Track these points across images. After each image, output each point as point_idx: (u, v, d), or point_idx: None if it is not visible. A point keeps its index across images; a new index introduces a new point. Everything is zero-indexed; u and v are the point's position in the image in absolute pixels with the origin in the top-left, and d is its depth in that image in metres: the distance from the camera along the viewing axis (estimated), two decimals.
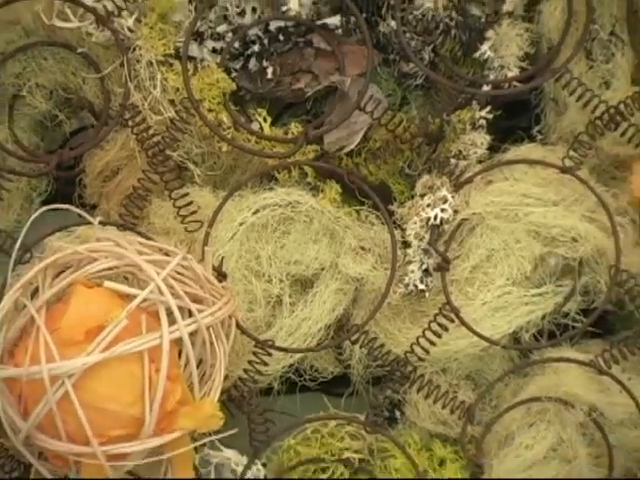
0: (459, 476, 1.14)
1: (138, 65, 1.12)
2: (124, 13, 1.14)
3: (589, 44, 1.17)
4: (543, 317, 1.13)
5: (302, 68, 1.12)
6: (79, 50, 1.13)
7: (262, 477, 1.14)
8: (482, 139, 1.13)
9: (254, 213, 1.10)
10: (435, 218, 1.11)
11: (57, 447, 0.99)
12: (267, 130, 1.11)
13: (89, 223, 1.08)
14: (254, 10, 1.13)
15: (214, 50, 1.13)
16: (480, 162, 1.12)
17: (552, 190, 1.12)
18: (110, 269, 1.02)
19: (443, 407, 1.12)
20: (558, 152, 1.13)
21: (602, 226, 1.11)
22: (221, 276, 1.09)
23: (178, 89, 1.12)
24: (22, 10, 1.14)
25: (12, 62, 1.14)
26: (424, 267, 1.11)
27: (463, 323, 1.09)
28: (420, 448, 1.13)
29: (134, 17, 1.14)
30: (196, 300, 1.02)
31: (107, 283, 1.00)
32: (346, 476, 1.13)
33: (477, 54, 1.12)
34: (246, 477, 1.21)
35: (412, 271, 1.10)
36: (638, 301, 1.14)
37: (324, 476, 1.12)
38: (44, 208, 1.10)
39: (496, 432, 1.13)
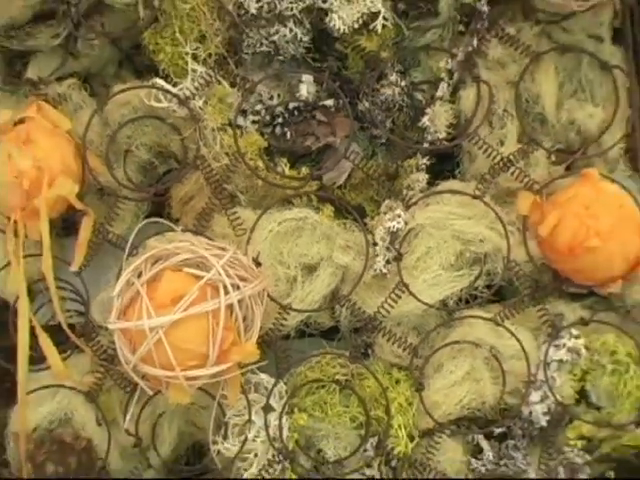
0: (408, 390, 1.13)
1: (205, 130, 1.13)
2: (196, 97, 1.13)
3: (490, 117, 1.15)
4: (461, 290, 1.13)
5: (309, 132, 1.14)
6: (168, 121, 1.13)
7: (284, 392, 1.13)
8: (423, 177, 1.14)
9: (279, 224, 1.11)
10: (393, 227, 1.11)
11: (154, 372, 1.02)
12: (287, 172, 1.12)
13: (173, 230, 1.12)
14: (279, 96, 1.14)
15: (253, 121, 1.13)
16: (421, 191, 1.13)
17: (467, 210, 1.13)
18: (187, 260, 1.04)
19: (398, 347, 1.13)
20: (471, 186, 1.14)
21: (499, 232, 1.11)
22: (257, 264, 1.10)
23: (230, 146, 1.12)
24: (132, 95, 1.12)
25: (125, 128, 1.13)
26: (386, 258, 1.12)
27: (411, 294, 1.11)
28: (384, 373, 1.13)
29: (202, 100, 1.13)
30: (242, 279, 1.05)
31: (185, 269, 1.04)
32: (337, 391, 1.12)
33: (420, 123, 1.14)
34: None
35: (378, 261, 1.12)
36: (521, 279, 1.14)
37: (323, 391, 1.12)
38: (145, 221, 1.13)
39: (431, 363, 1.13)
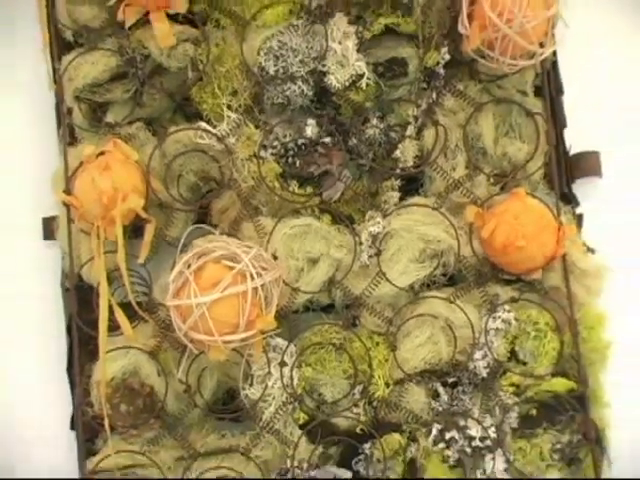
0: (385, 350, 1.13)
1: (236, 160, 1.13)
2: (230, 136, 1.12)
3: (445, 150, 1.15)
4: (424, 277, 1.13)
5: (312, 162, 1.13)
6: (209, 153, 1.13)
7: (294, 351, 1.13)
8: (396, 194, 1.14)
9: (290, 228, 1.12)
10: (374, 231, 1.12)
11: (198, 337, 1.04)
12: (296, 190, 1.12)
13: (213, 233, 1.13)
14: (290, 135, 1.13)
15: (272, 153, 1.12)
16: (395, 205, 1.14)
17: (428, 218, 1.12)
18: (223, 255, 1.05)
19: (378, 319, 1.13)
20: (431, 200, 1.14)
21: (452, 235, 1.12)
22: (274, 258, 1.10)
23: (255, 171, 1.11)
24: (183, 134, 1.11)
25: (178, 159, 1.12)
26: (369, 254, 1.12)
27: (387, 280, 1.12)
28: (367, 337, 1.13)
29: (235, 138, 1.12)
30: (263, 269, 1.06)
31: (222, 261, 1.05)
32: (333, 351, 1.13)
33: (393, 155, 1.13)
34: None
35: (363, 256, 1.12)
36: (467, 269, 1.13)
37: (322, 351, 1.13)
38: (192, 227, 1.13)
39: (402, 330, 1.13)
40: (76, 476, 1.13)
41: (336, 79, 1.10)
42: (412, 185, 1.16)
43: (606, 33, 1.20)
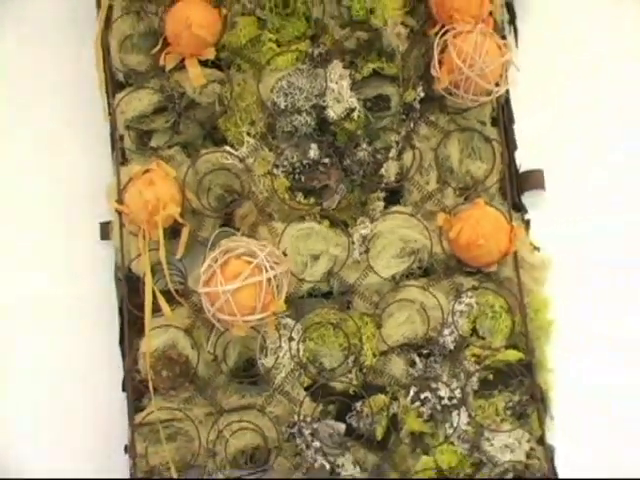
0: (373, 328, 1.11)
1: (254, 177, 1.12)
2: (249, 157, 1.12)
3: (421, 169, 1.13)
4: (404, 270, 1.12)
5: (315, 178, 1.12)
6: (233, 171, 1.12)
7: (300, 329, 1.10)
8: (381, 204, 1.14)
9: (297, 231, 1.12)
10: (364, 233, 1.12)
11: (224, 318, 1.04)
12: (302, 201, 1.12)
13: (236, 235, 1.12)
14: (297, 156, 1.11)
15: (282, 171, 1.11)
16: (380, 212, 1.13)
17: (407, 223, 1.12)
18: (244, 252, 1.05)
19: (366, 302, 1.12)
20: (409, 209, 1.13)
21: (426, 236, 1.11)
22: (284, 254, 1.10)
23: (269, 185, 1.11)
24: (211, 156, 1.11)
25: (208, 175, 1.12)
26: (360, 251, 1.12)
27: (374, 272, 1.11)
28: (358, 318, 1.12)
29: (253, 159, 1.12)
30: (276, 263, 1.06)
31: (243, 257, 1.05)
32: (331, 329, 1.11)
33: (379, 173, 1.13)
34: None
35: (355, 253, 1.12)
36: (438, 263, 1.13)
37: (323, 329, 1.11)
38: (219, 230, 1.13)
39: (386, 312, 1.12)
40: (126, 428, 1.11)
41: (333, 112, 1.10)
42: (394, 196, 1.15)
43: (550, 74, 1.19)
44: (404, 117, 1.14)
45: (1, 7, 1.18)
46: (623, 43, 1.17)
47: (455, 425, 1.09)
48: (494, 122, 1.15)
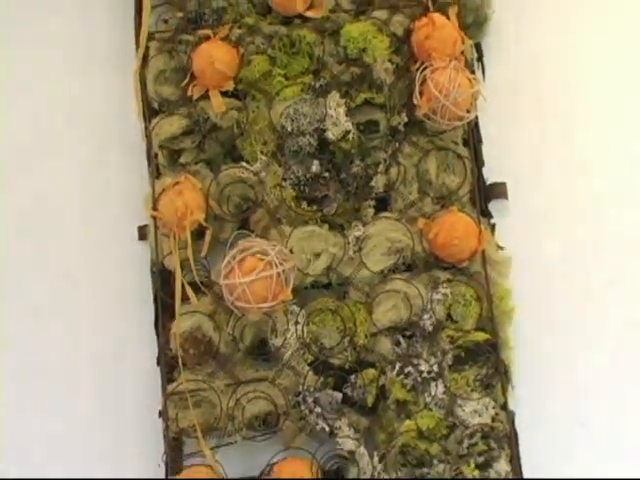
0: (365, 313, 1.10)
1: (266, 188, 1.12)
2: (262, 172, 1.11)
3: (404, 181, 1.12)
4: (391, 265, 1.11)
5: (316, 189, 1.11)
6: (249, 183, 1.11)
7: (304, 314, 1.08)
8: (372, 210, 1.13)
9: (302, 233, 1.11)
10: (357, 234, 1.12)
11: (241, 305, 1.03)
12: (306, 208, 1.11)
13: (251, 236, 1.11)
14: (302, 170, 1.11)
15: (290, 183, 1.11)
16: (371, 217, 1.13)
17: (393, 226, 1.12)
18: (258, 250, 1.05)
19: (360, 292, 1.11)
20: (395, 215, 1.12)
21: (409, 237, 1.11)
22: (291, 252, 1.09)
23: (279, 195, 1.10)
24: (231, 170, 1.10)
25: (227, 187, 1.11)
26: (354, 250, 1.11)
27: (366, 267, 1.10)
28: (353, 305, 1.11)
29: (265, 173, 1.10)
30: (284, 260, 1.06)
31: (257, 255, 1.04)
32: (330, 314, 1.09)
33: (370, 184, 1.12)
34: None
35: (350, 251, 1.11)
36: (419, 260, 1.12)
37: (323, 314, 1.09)
38: (237, 232, 1.12)
39: (376, 300, 1.11)
40: (160, 396, 1.10)
41: (332, 134, 1.10)
42: (382, 204, 1.15)
43: (512, 103, 1.19)
44: (390, 138, 1.13)
45: (58, 47, 1.20)
46: (569, 79, 1.20)
47: (433, 394, 1.09)
48: (465, 142, 1.15)
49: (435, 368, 1.10)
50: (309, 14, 1.12)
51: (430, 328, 1.11)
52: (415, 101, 1.09)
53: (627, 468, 1.08)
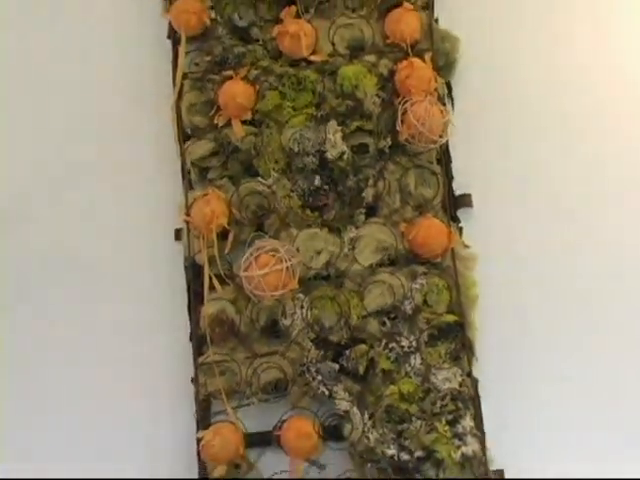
0: (358, 299, 1.10)
1: (277, 198, 1.13)
2: (274, 184, 1.12)
3: (389, 194, 1.13)
4: (378, 261, 1.14)
5: (318, 199, 1.14)
6: (264, 194, 1.11)
7: (308, 300, 1.08)
8: (363, 216, 1.13)
9: (306, 235, 1.12)
10: (351, 235, 1.14)
11: (258, 293, 1.05)
12: (309, 214, 1.13)
13: (264, 238, 1.12)
14: (306, 184, 1.13)
15: (296, 195, 1.10)
16: (362, 222, 1.14)
17: (381, 229, 1.14)
18: (270, 249, 1.06)
19: (353, 283, 1.12)
20: (382, 220, 1.14)
21: (393, 238, 1.13)
22: (297, 250, 1.10)
23: (288, 204, 1.12)
24: (248, 184, 1.12)
25: (246, 197, 1.13)
26: (348, 248, 1.13)
27: (358, 262, 1.12)
28: (348, 293, 1.10)
29: (276, 186, 1.12)
30: (292, 256, 1.07)
31: (270, 252, 1.06)
32: (329, 300, 1.10)
33: (362, 195, 1.14)
34: None
35: (345, 249, 1.13)
36: (402, 256, 1.13)
37: (323, 300, 1.09)
38: (254, 234, 1.12)
39: (367, 289, 1.12)
40: (192, 366, 1.11)
41: (331, 154, 1.10)
42: (372, 211, 1.14)
43: (477, 129, 1.20)
44: (378, 158, 1.13)
45: (108, 85, 1.23)
46: (526, 110, 1.23)
47: (412, 365, 1.09)
48: (438, 161, 1.14)
49: (414, 344, 1.10)
50: (312, 58, 1.14)
51: (410, 311, 1.11)
52: (398, 128, 1.09)
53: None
